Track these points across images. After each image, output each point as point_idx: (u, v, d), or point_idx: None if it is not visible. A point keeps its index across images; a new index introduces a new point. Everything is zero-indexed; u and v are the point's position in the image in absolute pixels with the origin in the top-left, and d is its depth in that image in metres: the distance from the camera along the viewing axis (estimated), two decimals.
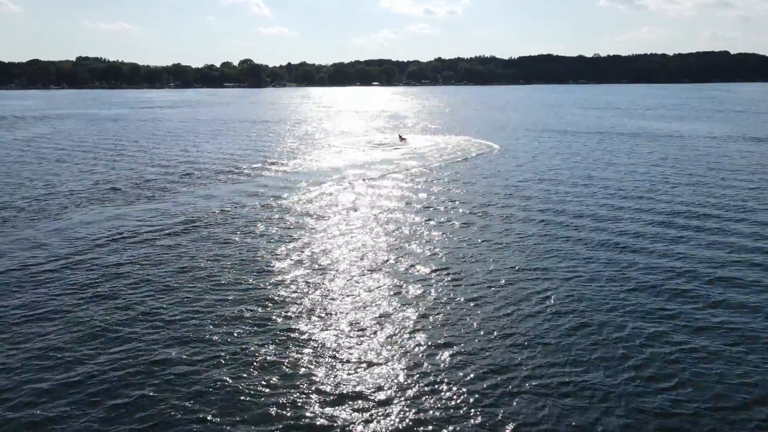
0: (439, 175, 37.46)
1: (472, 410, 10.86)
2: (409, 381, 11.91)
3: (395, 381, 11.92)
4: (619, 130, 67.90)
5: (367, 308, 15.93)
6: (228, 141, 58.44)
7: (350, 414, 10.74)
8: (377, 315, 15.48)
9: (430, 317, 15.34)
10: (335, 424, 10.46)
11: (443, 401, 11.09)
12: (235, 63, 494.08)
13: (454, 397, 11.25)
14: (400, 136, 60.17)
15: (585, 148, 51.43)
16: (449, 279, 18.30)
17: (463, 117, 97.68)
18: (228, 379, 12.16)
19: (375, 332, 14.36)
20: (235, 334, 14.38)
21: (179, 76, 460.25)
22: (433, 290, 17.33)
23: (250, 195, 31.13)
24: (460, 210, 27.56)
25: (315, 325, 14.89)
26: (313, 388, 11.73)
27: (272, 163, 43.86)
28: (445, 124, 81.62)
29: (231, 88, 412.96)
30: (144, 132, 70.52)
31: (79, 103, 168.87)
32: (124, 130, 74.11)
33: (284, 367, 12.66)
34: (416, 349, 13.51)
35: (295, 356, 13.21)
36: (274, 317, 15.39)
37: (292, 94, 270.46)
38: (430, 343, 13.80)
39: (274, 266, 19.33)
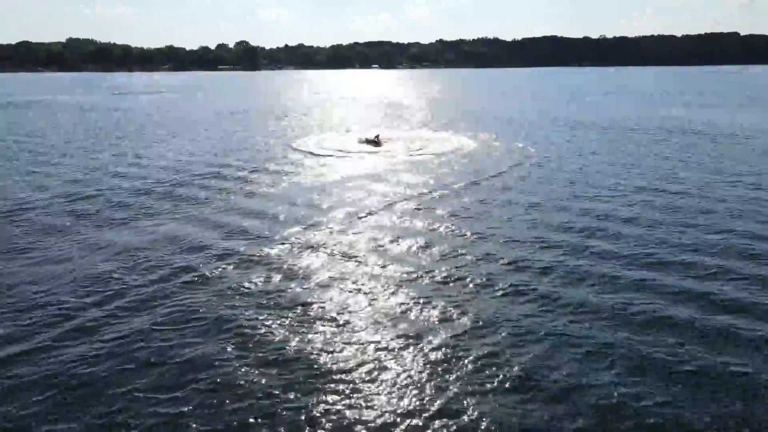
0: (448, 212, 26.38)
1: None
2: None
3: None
4: (672, 124, 56.85)
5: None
6: (180, 144, 47.67)
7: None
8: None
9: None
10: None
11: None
12: (231, 45, 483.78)
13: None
14: (371, 139, 44.59)
15: (643, 151, 40.56)
16: None
17: (473, 106, 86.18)
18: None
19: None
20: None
21: (173, 59, 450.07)
22: None
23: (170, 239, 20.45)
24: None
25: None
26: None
27: (219, 180, 33.08)
28: (454, 115, 70.18)
29: (226, 71, 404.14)
30: (94, 128, 59.45)
31: (55, 87, 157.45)
32: (72, 124, 63.17)
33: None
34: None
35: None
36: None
37: (288, 78, 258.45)
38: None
39: None
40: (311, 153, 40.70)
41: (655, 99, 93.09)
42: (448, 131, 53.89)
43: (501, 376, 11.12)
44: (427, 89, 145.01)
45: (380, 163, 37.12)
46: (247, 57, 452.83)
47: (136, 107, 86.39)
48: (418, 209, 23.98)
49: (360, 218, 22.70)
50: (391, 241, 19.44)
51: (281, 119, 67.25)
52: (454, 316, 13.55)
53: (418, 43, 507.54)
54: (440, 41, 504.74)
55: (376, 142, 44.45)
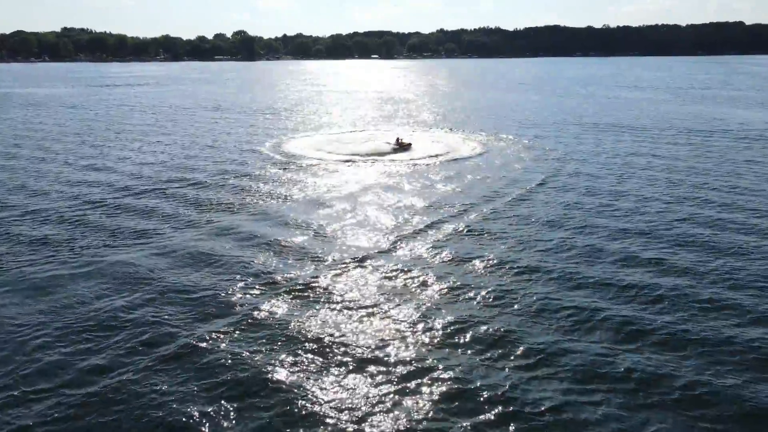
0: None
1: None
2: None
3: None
4: (703, 124, 49.79)
5: None
6: (150, 148, 40.86)
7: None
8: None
9: None
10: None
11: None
12: (229, 35, 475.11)
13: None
14: (399, 140, 39.48)
15: (679, 154, 33.67)
16: None
17: (480, 101, 78.86)
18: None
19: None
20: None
21: (169, 49, 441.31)
22: None
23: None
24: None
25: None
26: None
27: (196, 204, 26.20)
28: (468, 113, 62.98)
29: (222, 62, 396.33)
30: (50, 128, 52.35)
31: (38, 79, 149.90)
32: (24, 123, 56.08)
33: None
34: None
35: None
36: None
37: (285, 69, 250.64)
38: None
39: None
40: (294, 162, 33.82)
41: (685, 93, 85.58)
42: (466, 131, 46.95)
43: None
44: (432, 81, 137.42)
45: (405, 171, 31.55)
46: (244, 47, 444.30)
47: (112, 102, 79.09)
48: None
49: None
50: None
51: (275, 115, 60.07)
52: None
53: (418, 33, 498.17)
54: (441, 31, 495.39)
55: (402, 145, 38.57)
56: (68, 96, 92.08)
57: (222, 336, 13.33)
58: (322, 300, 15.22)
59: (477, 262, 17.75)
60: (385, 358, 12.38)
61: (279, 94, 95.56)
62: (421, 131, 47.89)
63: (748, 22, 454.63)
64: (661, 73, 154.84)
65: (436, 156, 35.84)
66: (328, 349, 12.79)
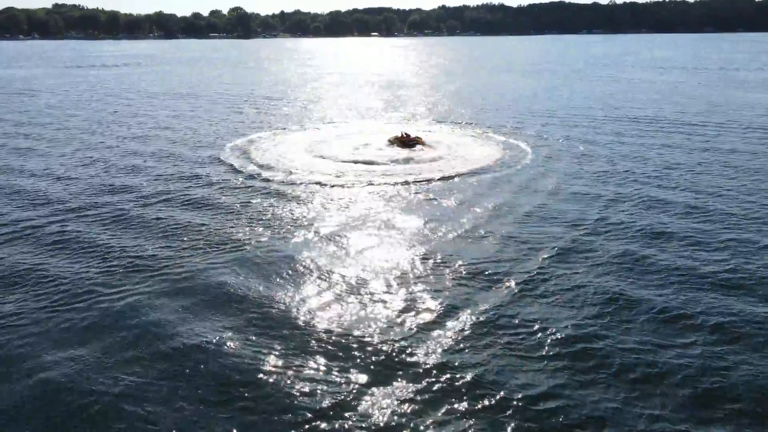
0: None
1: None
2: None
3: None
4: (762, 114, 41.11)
5: None
6: (83, 153, 32.82)
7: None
8: None
9: None
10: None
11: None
12: (225, 12, 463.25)
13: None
14: (406, 137, 31.14)
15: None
16: None
17: (492, 87, 69.63)
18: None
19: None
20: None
21: (162, 26, 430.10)
22: None
23: None
24: None
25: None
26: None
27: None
28: (478, 102, 53.82)
29: (217, 39, 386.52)
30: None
31: (14, 57, 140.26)
32: None
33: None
34: None
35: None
36: None
37: (280, 47, 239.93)
38: None
39: None
40: (260, 176, 25.23)
41: (718, 75, 75.99)
42: (479, 126, 38.29)
43: None
44: (435, 62, 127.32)
45: (408, 191, 23.13)
46: (240, 24, 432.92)
47: (77, 88, 69.82)
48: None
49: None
50: None
51: (247, 104, 51.10)
52: None
53: (419, 10, 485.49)
54: (442, 7, 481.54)
55: (411, 142, 30.97)
56: (33, 78, 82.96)
57: None
58: None
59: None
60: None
61: (267, 77, 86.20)
62: (426, 126, 39.01)
63: None
64: (677, 52, 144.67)
65: (447, 164, 27.24)
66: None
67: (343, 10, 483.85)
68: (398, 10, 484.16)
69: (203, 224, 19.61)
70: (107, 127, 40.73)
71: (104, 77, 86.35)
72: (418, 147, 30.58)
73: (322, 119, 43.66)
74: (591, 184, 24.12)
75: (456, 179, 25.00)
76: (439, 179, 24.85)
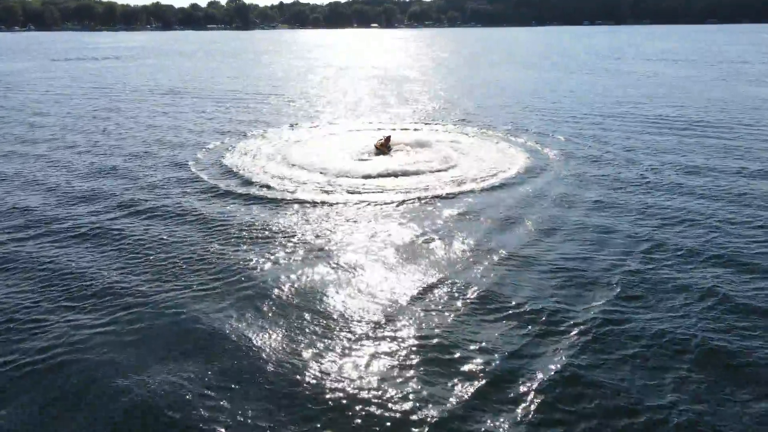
0: None
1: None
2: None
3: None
4: None
5: None
6: (40, 164, 29.57)
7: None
8: None
9: None
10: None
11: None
12: (223, 2, 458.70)
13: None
14: (386, 142, 27.82)
15: None
16: None
17: (499, 84, 65.77)
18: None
19: None
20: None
21: (160, 17, 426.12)
22: None
23: None
24: None
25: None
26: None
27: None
28: (488, 102, 49.88)
29: (215, 31, 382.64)
30: None
31: (2, 49, 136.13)
32: None
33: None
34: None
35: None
36: None
37: (278, 39, 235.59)
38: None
39: None
40: (235, 192, 21.69)
41: (739, 70, 72.13)
42: (483, 127, 34.68)
43: None
44: (436, 55, 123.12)
45: (397, 210, 19.39)
46: (238, 15, 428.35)
47: (52, 84, 65.89)
48: None
49: None
50: None
51: (230, 102, 46.81)
52: None
53: (419, 0, 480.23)
54: None
55: (384, 148, 27.37)
56: (9, 74, 79.19)
57: None
58: None
59: None
60: None
61: (259, 71, 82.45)
62: (427, 129, 35.44)
63: None
64: (690, 44, 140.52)
65: (454, 174, 23.72)
66: None
67: (342, 0, 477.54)
68: (398, 1, 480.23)
69: (166, 244, 16.33)
70: (81, 128, 37.25)
71: (90, 72, 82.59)
72: (406, 150, 27.26)
73: (315, 119, 40.07)
74: (630, 195, 20.66)
75: (468, 191, 21.51)
76: (444, 194, 21.33)
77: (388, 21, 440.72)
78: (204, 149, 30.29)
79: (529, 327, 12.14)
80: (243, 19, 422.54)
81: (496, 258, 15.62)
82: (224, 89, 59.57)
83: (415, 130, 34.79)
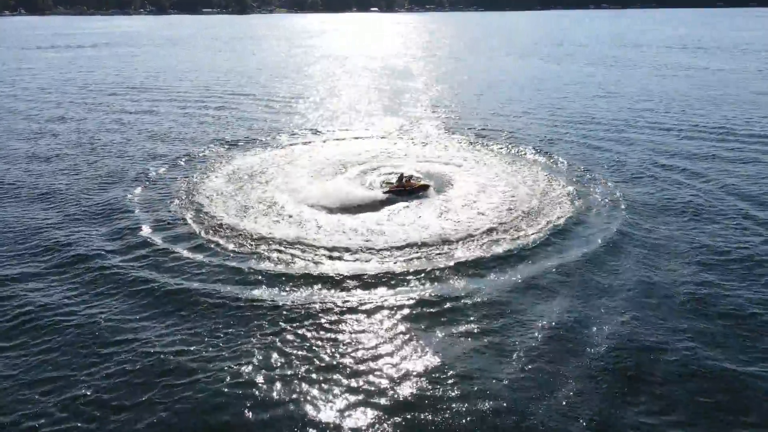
0: None
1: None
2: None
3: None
4: None
5: None
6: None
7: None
8: None
9: None
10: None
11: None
12: None
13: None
14: (408, 183, 22.08)
15: None
16: None
17: (513, 79, 59.36)
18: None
19: None
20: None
21: (154, 1, 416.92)
22: None
23: None
24: None
25: None
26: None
27: None
28: (508, 110, 43.43)
29: (210, 15, 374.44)
30: None
31: None
32: None
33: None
34: None
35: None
36: None
37: (274, 24, 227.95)
38: None
39: None
40: (189, 259, 15.59)
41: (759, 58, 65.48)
42: (509, 142, 28.57)
43: None
44: (439, 43, 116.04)
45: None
46: None
47: (14, 79, 59.28)
48: None
49: None
50: None
51: (207, 103, 39.90)
52: None
53: None
54: None
55: (404, 188, 22.12)
56: None
57: None
58: None
59: None
60: None
61: (248, 63, 75.86)
62: (434, 145, 29.36)
63: None
64: (703, 30, 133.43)
65: (484, 238, 17.80)
66: None
67: None
68: None
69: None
70: (30, 135, 31.19)
71: (60, 63, 76.19)
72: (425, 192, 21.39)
73: (301, 126, 33.86)
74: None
75: (507, 257, 15.65)
76: (475, 260, 15.44)
77: (388, 4, 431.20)
78: (166, 175, 24.26)
79: None
80: (239, 2, 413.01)
81: None
82: (202, 85, 53.15)
83: (424, 144, 28.68)
